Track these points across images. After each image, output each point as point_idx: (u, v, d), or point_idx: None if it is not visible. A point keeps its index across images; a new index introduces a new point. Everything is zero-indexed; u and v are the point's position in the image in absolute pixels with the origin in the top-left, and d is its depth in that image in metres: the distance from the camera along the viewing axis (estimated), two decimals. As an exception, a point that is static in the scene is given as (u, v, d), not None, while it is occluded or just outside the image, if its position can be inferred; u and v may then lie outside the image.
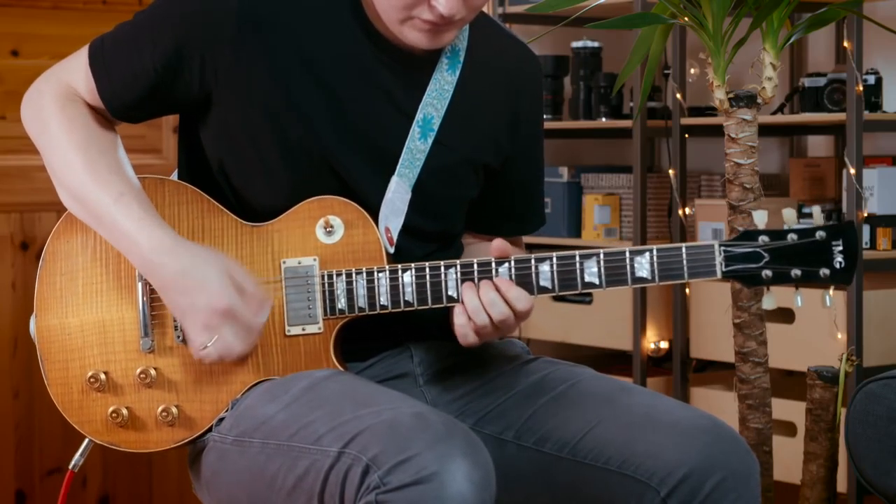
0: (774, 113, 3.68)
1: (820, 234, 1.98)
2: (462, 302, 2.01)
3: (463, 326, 2.01)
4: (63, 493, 2.17)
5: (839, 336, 3.37)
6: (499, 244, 2.02)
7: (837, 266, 1.98)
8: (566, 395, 2.07)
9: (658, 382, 3.87)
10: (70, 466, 2.15)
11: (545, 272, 2.01)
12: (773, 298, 2.02)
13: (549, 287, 2.01)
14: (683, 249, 1.98)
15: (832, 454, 2.71)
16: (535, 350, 2.60)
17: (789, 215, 2.00)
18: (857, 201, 3.31)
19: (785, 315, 3.50)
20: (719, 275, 1.98)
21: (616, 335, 3.89)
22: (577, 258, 2.00)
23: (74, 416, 2.12)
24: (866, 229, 3.40)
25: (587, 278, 2.00)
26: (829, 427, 2.69)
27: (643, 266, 1.99)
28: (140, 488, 3.90)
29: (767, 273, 1.98)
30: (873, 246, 3.43)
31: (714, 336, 3.67)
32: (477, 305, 2.00)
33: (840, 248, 1.98)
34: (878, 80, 3.51)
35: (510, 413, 2.08)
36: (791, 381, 3.69)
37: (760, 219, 2.01)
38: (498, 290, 2.00)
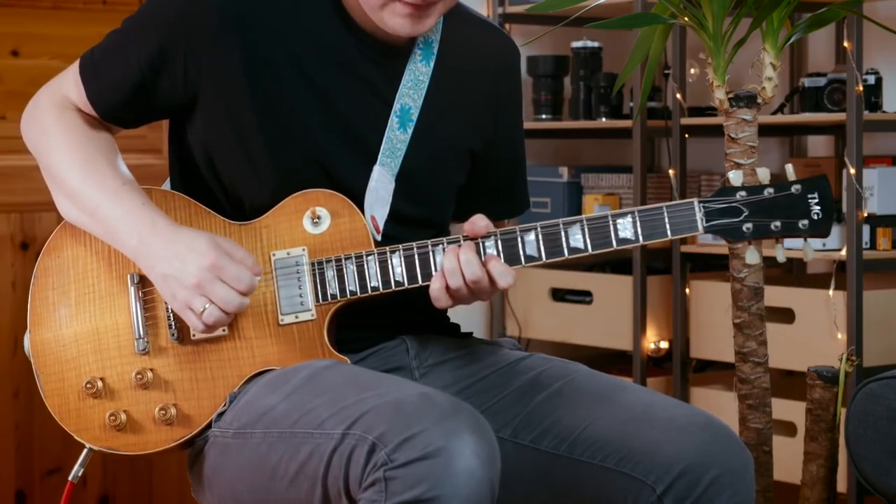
0: (774, 113, 3.68)
1: (795, 188, 2.03)
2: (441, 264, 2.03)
3: (438, 289, 2.02)
4: (63, 503, 2.16)
5: (839, 336, 3.37)
6: (470, 227, 2.03)
7: (815, 217, 2.03)
8: (562, 393, 2.08)
9: (658, 382, 3.87)
10: (70, 478, 2.15)
11: (531, 241, 2.03)
12: (756, 253, 2.07)
13: (536, 256, 2.04)
14: (664, 208, 2.03)
15: (832, 454, 2.71)
16: (534, 350, 2.60)
17: (763, 174, 2.05)
18: (857, 201, 3.31)
19: (785, 315, 3.51)
20: (701, 230, 2.03)
21: (616, 335, 3.89)
22: (561, 225, 2.03)
23: (72, 425, 2.13)
24: (866, 229, 3.40)
25: (573, 244, 2.03)
26: (829, 427, 2.69)
27: (626, 227, 2.03)
28: (140, 489, 3.90)
29: (748, 226, 2.03)
30: (873, 246, 3.42)
31: (714, 336, 3.67)
32: (454, 266, 2.01)
33: (816, 200, 2.03)
34: (878, 80, 3.51)
35: (507, 410, 2.09)
36: (791, 381, 3.69)
37: (736, 179, 2.05)
38: (478, 255, 2.02)
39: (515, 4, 4.10)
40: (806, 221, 2.03)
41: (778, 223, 2.03)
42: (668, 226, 2.03)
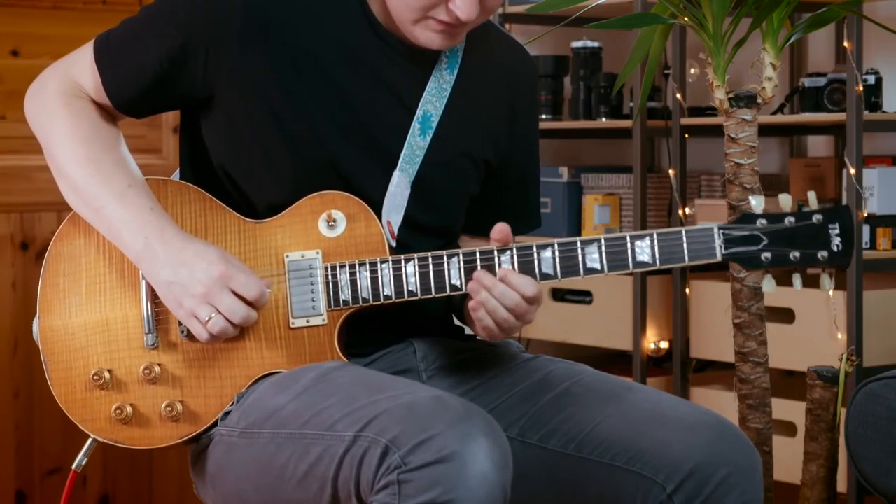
0: (774, 113, 3.68)
1: (817, 218, 2.01)
2: (474, 299, 2.01)
3: (483, 320, 2.01)
4: (66, 492, 2.17)
5: (839, 336, 3.37)
6: (501, 227, 2.03)
7: (835, 249, 2.01)
8: (569, 392, 2.08)
9: (658, 382, 3.87)
10: (73, 466, 2.14)
11: (547, 259, 2.02)
12: (772, 281, 2.04)
13: (552, 273, 2.03)
14: (683, 233, 2.01)
15: (832, 454, 2.71)
16: (535, 350, 2.60)
17: (785, 201, 2.02)
18: (857, 201, 3.31)
19: (785, 315, 3.51)
20: (719, 257, 2.01)
21: (616, 335, 3.89)
22: (579, 244, 2.02)
23: (78, 415, 2.12)
24: (866, 229, 3.40)
25: (589, 264, 2.02)
26: (829, 427, 2.69)
27: (644, 250, 2.01)
28: (140, 488, 3.90)
29: (767, 255, 2.01)
30: (873, 246, 3.43)
31: (714, 336, 3.67)
32: (488, 297, 2.00)
33: (837, 231, 2.01)
34: (878, 80, 3.51)
35: (514, 410, 2.09)
36: (791, 381, 3.69)
37: (758, 204, 2.03)
38: (504, 280, 2.01)
39: (515, 4, 4.10)
40: (825, 253, 2.00)
41: (797, 253, 2.00)
42: (685, 251, 2.00)
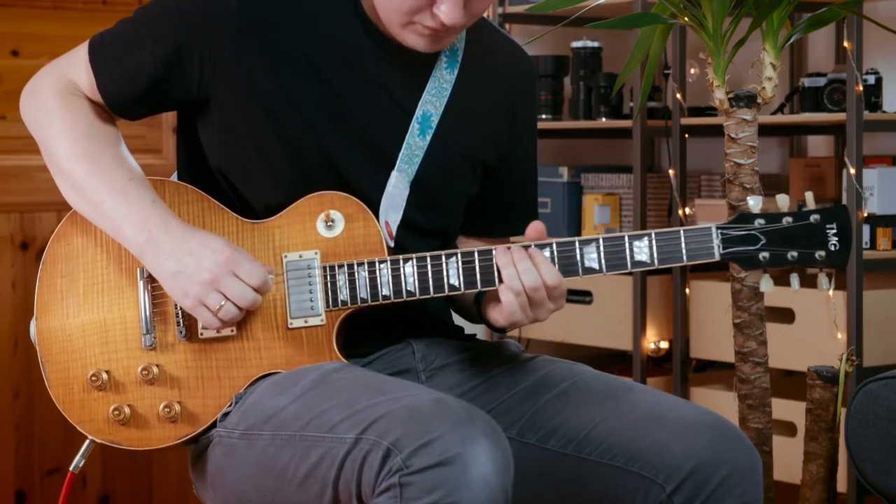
0: (774, 113, 3.68)
1: (814, 218, 2.02)
2: (499, 275, 2.01)
3: (511, 303, 2.01)
4: (64, 494, 2.17)
5: (839, 336, 3.37)
6: (536, 225, 2.03)
7: (832, 248, 2.02)
8: (569, 393, 2.08)
9: (658, 382, 3.87)
10: (71, 468, 2.15)
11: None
12: (770, 281, 2.05)
13: None
14: (682, 233, 2.02)
15: (832, 454, 2.71)
16: (535, 350, 2.59)
17: (783, 201, 2.03)
18: (857, 201, 3.31)
19: (785, 315, 3.50)
20: (717, 257, 2.02)
21: (616, 335, 3.89)
22: (577, 244, 2.02)
23: (76, 416, 2.12)
24: (866, 229, 3.40)
25: (587, 264, 2.02)
26: (829, 427, 2.69)
27: (642, 250, 2.02)
28: (140, 488, 3.90)
29: (765, 255, 2.02)
30: (873, 246, 3.43)
31: (714, 336, 3.66)
32: (508, 263, 2.00)
33: (834, 230, 2.02)
34: (878, 80, 3.51)
35: (513, 410, 2.09)
36: (791, 381, 3.69)
37: (756, 204, 2.04)
38: (532, 258, 2.01)
39: (515, 4, 4.10)
40: (823, 252, 2.02)
41: (795, 253, 2.02)
42: (684, 251, 2.01)
